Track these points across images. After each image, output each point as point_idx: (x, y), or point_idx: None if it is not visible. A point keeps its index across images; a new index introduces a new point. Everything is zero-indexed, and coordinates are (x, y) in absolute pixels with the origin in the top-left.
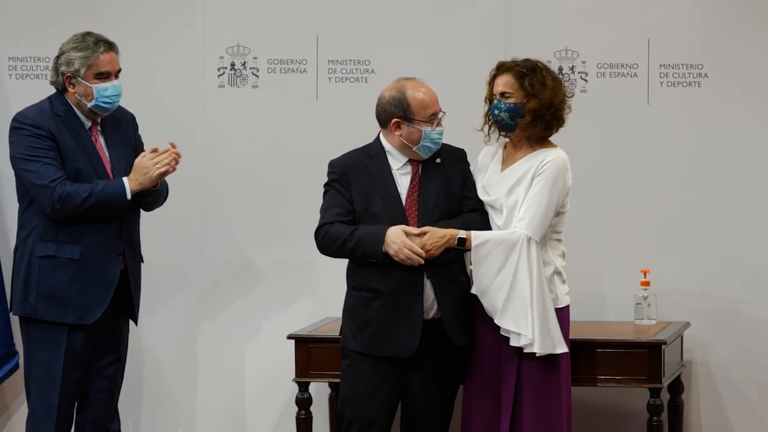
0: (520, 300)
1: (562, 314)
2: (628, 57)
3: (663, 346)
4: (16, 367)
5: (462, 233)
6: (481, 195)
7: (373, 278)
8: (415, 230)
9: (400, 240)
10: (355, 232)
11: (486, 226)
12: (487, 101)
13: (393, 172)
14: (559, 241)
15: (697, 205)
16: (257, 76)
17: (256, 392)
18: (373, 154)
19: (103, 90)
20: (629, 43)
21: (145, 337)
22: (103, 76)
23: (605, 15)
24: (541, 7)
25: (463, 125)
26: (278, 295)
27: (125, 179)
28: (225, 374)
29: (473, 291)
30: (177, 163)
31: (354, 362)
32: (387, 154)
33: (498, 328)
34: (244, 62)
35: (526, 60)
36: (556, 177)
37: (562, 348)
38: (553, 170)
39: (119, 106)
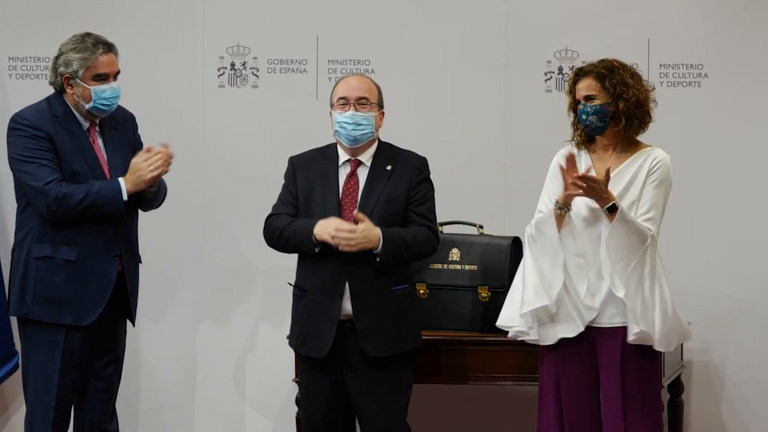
0: (650, 298)
1: None
2: (628, 57)
3: None
4: (17, 367)
5: (617, 202)
6: (579, 207)
7: (304, 277)
8: None
9: (330, 223)
10: (291, 223)
11: (432, 241)
12: (571, 109)
13: (339, 168)
14: None
15: (697, 204)
16: (257, 76)
17: (255, 392)
18: (327, 155)
19: (100, 92)
20: (629, 43)
21: (145, 337)
22: (101, 77)
23: (605, 15)
24: (541, 7)
25: (463, 124)
26: (278, 295)
27: (121, 180)
28: (225, 374)
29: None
30: (169, 164)
31: (298, 361)
32: (338, 152)
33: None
34: (244, 62)
35: (602, 60)
36: (668, 178)
37: (689, 336)
38: (666, 170)
39: (119, 106)
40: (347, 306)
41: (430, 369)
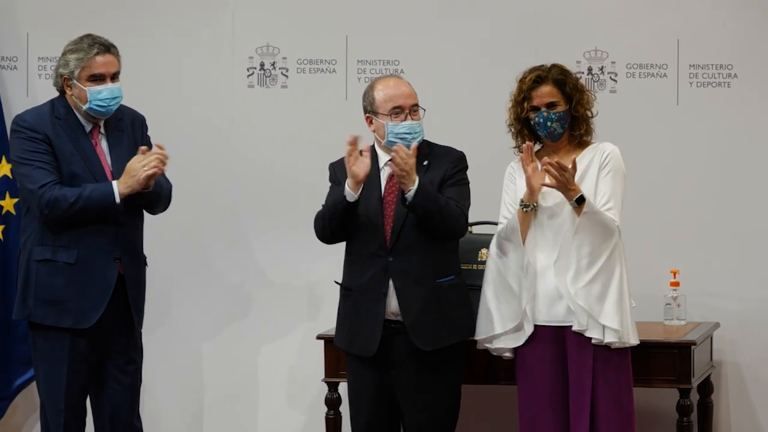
0: (607, 287)
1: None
2: (657, 57)
3: (692, 347)
4: None
5: (585, 194)
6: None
7: (349, 277)
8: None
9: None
10: (331, 194)
11: (461, 218)
12: (520, 116)
13: (379, 168)
14: None
15: (727, 205)
16: (286, 76)
17: (285, 392)
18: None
19: (96, 93)
20: (659, 44)
21: (165, 339)
22: (97, 78)
23: (635, 15)
24: (571, 7)
25: (492, 125)
26: (309, 294)
27: (114, 183)
28: (256, 373)
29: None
30: (164, 164)
31: (346, 360)
32: (377, 154)
33: (559, 330)
34: (274, 62)
35: (554, 66)
36: (621, 167)
37: (636, 340)
38: (618, 161)
39: (127, 108)
40: (393, 303)
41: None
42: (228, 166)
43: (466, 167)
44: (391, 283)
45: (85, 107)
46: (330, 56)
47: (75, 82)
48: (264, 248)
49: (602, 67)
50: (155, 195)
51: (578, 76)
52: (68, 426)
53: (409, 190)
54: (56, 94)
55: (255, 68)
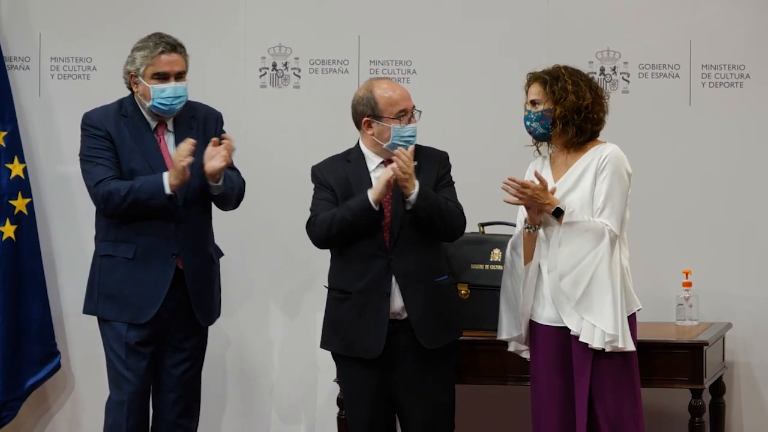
0: (600, 294)
1: (632, 318)
2: (670, 58)
3: (705, 347)
4: (58, 367)
5: (562, 205)
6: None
7: (344, 279)
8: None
9: (381, 176)
10: (339, 208)
11: (461, 217)
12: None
13: (370, 173)
14: (624, 243)
15: (739, 205)
16: (299, 76)
17: (296, 392)
18: (352, 159)
19: (160, 91)
20: (671, 44)
21: None
22: (161, 76)
23: (647, 16)
24: (584, 7)
25: (504, 125)
26: (321, 294)
27: (164, 174)
28: (262, 375)
29: (547, 269)
30: (230, 154)
31: (338, 364)
32: (365, 157)
33: (563, 330)
34: (286, 62)
35: (554, 66)
36: (621, 169)
37: (631, 346)
38: (616, 163)
39: (201, 105)
40: (396, 303)
41: (470, 370)
42: (241, 167)
43: (451, 167)
44: (394, 282)
45: (147, 105)
46: (342, 56)
47: (140, 79)
48: (274, 248)
49: (615, 67)
50: (224, 189)
51: (591, 76)
52: (132, 414)
53: (411, 194)
54: (67, 94)
55: (267, 68)
